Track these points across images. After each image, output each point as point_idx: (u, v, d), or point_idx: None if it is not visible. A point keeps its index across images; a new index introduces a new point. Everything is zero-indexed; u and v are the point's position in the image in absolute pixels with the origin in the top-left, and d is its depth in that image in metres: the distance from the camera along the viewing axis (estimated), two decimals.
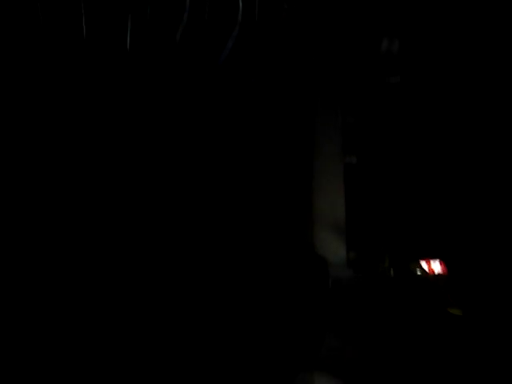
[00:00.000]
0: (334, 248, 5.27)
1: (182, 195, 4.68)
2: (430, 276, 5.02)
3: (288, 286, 4.79)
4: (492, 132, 5.68)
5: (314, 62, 5.51)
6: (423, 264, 5.07)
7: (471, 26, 5.60)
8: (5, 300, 3.96)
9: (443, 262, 5.04)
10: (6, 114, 4.30)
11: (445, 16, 5.64)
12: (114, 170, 4.56)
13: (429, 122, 5.80)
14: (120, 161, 4.62)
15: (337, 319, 5.08)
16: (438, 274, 5.01)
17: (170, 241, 4.51)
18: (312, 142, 5.48)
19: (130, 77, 4.67)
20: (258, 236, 4.85)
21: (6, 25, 4.37)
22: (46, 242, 4.13)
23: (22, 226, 4.13)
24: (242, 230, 4.79)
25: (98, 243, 4.32)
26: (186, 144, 4.83)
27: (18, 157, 4.31)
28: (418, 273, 5.07)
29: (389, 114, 5.79)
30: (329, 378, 4.83)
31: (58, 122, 4.44)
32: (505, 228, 5.25)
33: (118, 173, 4.57)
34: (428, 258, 5.10)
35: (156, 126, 4.76)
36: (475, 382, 4.80)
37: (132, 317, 4.24)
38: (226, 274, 4.57)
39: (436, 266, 5.04)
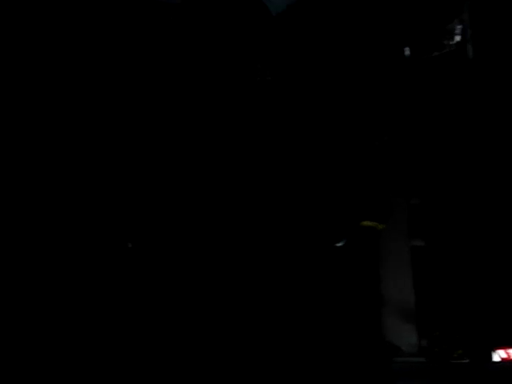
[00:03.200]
0: (404, 335, 5.13)
1: None
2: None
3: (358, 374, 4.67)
4: None
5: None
6: (501, 352, 4.86)
7: None
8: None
9: None
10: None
11: None
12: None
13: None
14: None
15: None
16: None
17: None
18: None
19: None
20: (330, 324, 4.79)
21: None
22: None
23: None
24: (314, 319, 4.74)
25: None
26: None
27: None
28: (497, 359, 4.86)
29: (453, 193, 5.72)
30: None
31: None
32: None
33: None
34: (505, 346, 4.89)
35: None
36: None
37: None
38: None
39: None
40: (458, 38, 5.64)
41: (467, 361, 4.93)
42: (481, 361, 4.93)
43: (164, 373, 4.08)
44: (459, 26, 5.64)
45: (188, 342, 4.18)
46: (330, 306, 4.88)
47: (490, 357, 4.90)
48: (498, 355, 4.85)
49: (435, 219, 5.60)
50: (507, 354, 4.83)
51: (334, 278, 4.95)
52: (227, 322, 4.29)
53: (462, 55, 5.64)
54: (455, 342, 4.99)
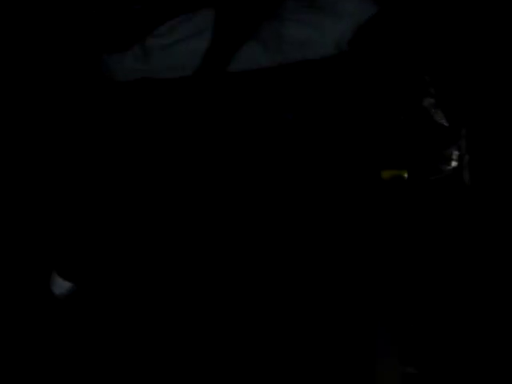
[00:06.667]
0: None
1: None
2: None
3: None
4: None
5: None
6: None
7: None
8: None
9: None
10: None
11: None
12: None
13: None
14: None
15: None
16: None
17: None
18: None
19: None
20: None
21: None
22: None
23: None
24: None
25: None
26: None
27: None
28: None
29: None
30: None
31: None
32: None
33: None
34: None
35: None
36: None
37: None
38: None
39: None
40: (454, 164, 5.83)
41: None
42: None
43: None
44: (456, 152, 5.85)
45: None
46: None
47: None
48: None
49: None
50: None
51: None
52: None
53: (458, 181, 5.79)
54: None
